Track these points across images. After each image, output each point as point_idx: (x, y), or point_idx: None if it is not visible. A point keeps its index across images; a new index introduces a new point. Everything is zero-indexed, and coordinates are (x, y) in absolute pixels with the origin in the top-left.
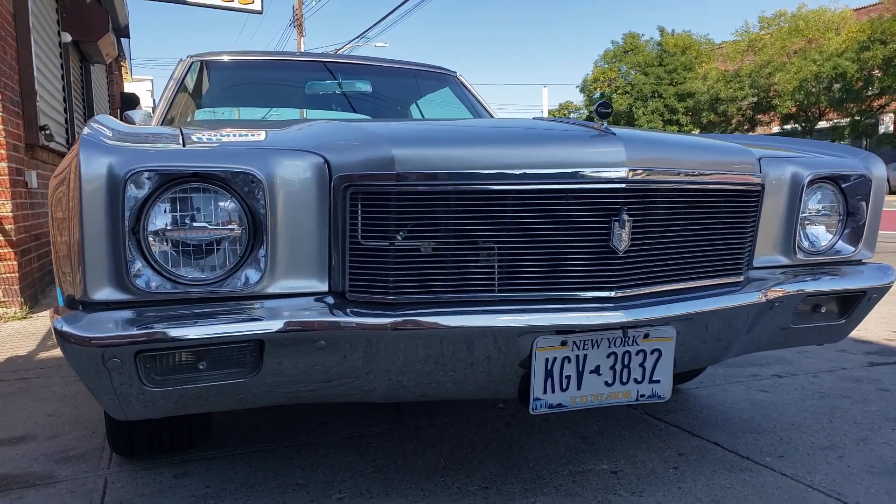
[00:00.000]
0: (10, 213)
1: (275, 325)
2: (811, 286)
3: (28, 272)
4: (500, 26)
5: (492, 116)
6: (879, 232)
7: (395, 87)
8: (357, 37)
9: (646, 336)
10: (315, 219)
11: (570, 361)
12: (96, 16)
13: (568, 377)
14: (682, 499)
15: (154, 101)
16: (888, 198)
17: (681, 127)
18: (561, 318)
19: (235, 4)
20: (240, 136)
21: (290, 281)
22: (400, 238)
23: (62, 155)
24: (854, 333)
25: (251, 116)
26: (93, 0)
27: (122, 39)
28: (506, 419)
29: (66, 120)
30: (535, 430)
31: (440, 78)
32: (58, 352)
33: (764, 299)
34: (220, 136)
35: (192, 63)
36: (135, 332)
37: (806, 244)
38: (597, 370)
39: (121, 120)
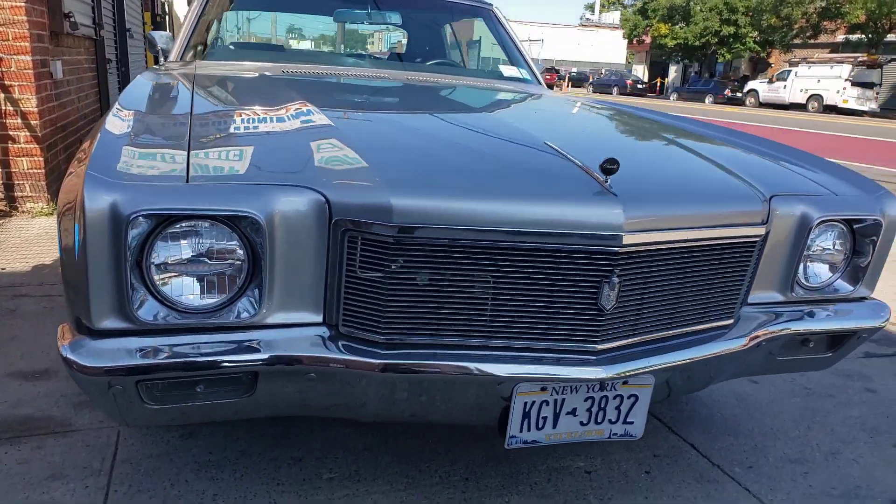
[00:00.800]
0: (35, 109)
1: (267, 357)
2: (803, 325)
3: (55, 166)
4: None
5: (521, 55)
6: (886, 170)
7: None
8: None
9: (624, 383)
10: (313, 254)
11: (547, 405)
12: None
13: (545, 418)
14: None
15: None
16: None
17: (738, 28)
18: (541, 370)
19: None
20: (241, 156)
21: (287, 313)
22: (394, 279)
23: (89, 41)
24: None
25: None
26: None
27: None
28: None
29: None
30: None
31: (474, 11)
32: None
33: (750, 344)
34: (226, 153)
35: None
36: (136, 362)
37: (805, 281)
38: (573, 412)
39: (145, 42)
